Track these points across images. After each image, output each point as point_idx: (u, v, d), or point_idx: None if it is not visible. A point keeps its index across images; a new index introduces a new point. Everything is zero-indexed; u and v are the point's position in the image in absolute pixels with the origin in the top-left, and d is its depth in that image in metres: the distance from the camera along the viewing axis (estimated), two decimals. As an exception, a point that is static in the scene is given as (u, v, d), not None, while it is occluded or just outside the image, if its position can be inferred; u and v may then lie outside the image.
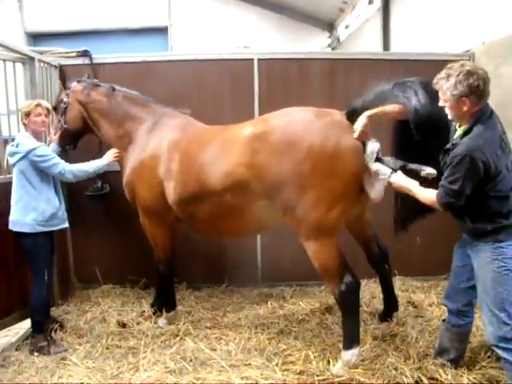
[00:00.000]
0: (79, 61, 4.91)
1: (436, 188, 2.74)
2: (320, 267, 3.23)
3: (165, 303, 4.24)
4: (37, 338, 3.78)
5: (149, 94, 4.39)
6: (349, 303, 3.20)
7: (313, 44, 12.06)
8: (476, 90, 2.58)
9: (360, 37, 9.62)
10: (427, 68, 4.98)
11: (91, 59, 4.84)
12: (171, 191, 3.78)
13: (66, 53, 4.97)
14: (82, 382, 3.23)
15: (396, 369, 3.13)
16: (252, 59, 4.89)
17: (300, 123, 3.21)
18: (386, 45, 8.04)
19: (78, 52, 4.90)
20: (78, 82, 4.39)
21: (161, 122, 4.11)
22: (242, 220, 3.58)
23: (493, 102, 4.68)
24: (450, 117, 2.77)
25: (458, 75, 2.58)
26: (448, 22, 5.89)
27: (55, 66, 4.85)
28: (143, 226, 4.15)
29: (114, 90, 4.28)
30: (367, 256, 3.93)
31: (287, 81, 4.93)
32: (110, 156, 4.20)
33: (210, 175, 3.49)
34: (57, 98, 4.53)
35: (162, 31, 11.64)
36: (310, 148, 3.09)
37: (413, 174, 2.96)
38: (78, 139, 4.50)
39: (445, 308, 4.28)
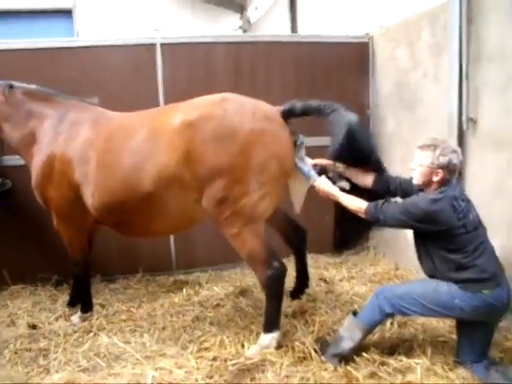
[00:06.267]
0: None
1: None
2: (248, 255, 3.24)
3: (81, 303, 4.09)
4: None
5: (47, 83, 4.10)
6: (274, 289, 3.24)
7: (225, 26, 11.94)
8: (453, 166, 2.81)
9: (270, 19, 9.67)
10: (329, 50, 5.21)
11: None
12: (90, 198, 3.54)
13: None
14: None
15: (304, 343, 3.25)
16: (155, 44, 4.75)
17: (238, 113, 3.13)
18: (294, 27, 8.15)
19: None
20: None
21: (67, 118, 3.79)
22: (176, 218, 3.44)
23: (390, 82, 5.02)
24: (415, 181, 2.94)
25: (444, 149, 2.78)
26: (349, 5, 6.06)
27: None
28: (58, 230, 3.91)
29: (11, 87, 3.90)
30: (283, 237, 3.96)
31: (192, 66, 4.86)
32: None
33: (139, 174, 3.27)
34: None
35: (66, 14, 10.98)
36: (247, 140, 3.05)
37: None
38: None
39: (354, 282, 4.58)
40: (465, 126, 3.86)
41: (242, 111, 3.15)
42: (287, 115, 3.29)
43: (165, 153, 3.19)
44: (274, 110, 3.30)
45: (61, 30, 10.51)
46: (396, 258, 4.98)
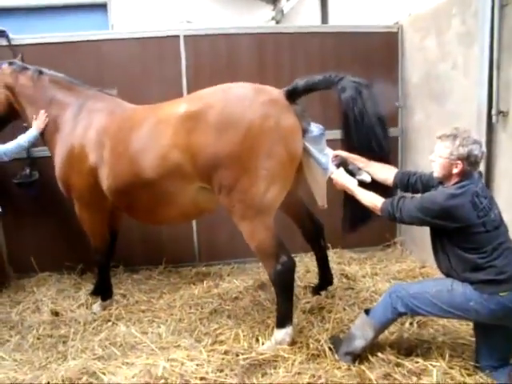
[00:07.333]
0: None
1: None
2: (257, 248, 3.21)
3: (101, 291, 4.20)
4: None
5: (73, 76, 4.20)
6: (284, 283, 3.20)
7: (258, 17, 11.85)
8: (474, 158, 2.64)
9: (302, 9, 9.53)
10: (356, 40, 5.06)
11: (9, 40, 4.58)
12: (104, 180, 3.65)
13: (-22, 33, 4.65)
14: (8, 376, 3.16)
15: (318, 340, 3.20)
16: (178, 36, 4.76)
17: (239, 101, 3.12)
18: (325, 17, 8.00)
19: (-8, 32, 4.59)
20: (10, 63, 4.16)
21: (86, 107, 3.92)
22: (181, 206, 3.48)
23: (419, 73, 4.84)
24: (435, 174, 2.80)
25: (464, 139, 2.63)
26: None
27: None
28: (80, 217, 4.03)
29: (40, 73, 4.08)
30: (301, 232, 3.95)
31: (215, 57, 4.83)
32: (40, 123, 4.02)
33: (143, 161, 3.36)
34: None
35: (100, 7, 11.15)
36: (249, 127, 3.03)
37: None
38: (3, 125, 4.30)
39: (378, 278, 4.46)
40: (494, 120, 3.68)
41: (245, 99, 3.12)
42: (291, 95, 3.22)
43: (168, 142, 3.24)
44: (278, 93, 3.23)
45: (96, 24, 10.64)
46: (423, 256, 4.82)
